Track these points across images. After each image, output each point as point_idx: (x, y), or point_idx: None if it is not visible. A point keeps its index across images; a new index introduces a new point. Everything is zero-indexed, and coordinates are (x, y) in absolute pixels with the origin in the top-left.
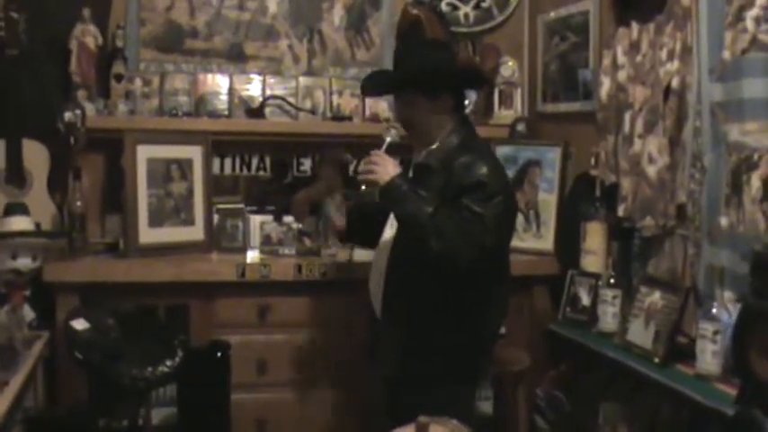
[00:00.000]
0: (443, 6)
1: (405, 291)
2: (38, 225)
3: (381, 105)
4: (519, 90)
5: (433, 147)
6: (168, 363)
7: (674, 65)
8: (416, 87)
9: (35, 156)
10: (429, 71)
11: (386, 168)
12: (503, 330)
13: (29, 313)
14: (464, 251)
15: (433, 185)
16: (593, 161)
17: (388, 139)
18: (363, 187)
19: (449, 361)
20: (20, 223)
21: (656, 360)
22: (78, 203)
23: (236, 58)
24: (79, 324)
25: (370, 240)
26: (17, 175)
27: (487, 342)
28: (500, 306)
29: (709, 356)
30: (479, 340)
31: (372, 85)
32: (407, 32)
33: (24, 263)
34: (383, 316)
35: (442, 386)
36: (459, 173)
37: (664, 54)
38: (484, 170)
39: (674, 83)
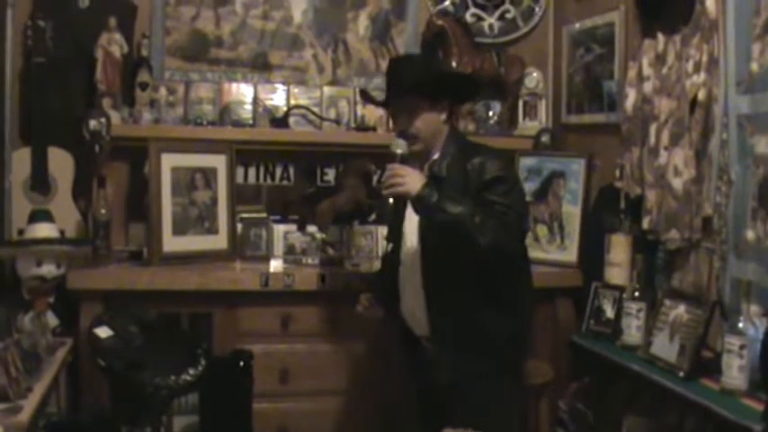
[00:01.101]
0: (468, 17)
1: (449, 297)
2: (62, 232)
3: None
4: (543, 101)
5: (435, 157)
6: (191, 371)
7: (701, 77)
8: (418, 93)
9: (60, 163)
10: (432, 74)
11: (412, 179)
12: None
13: (53, 320)
14: (508, 240)
15: (449, 190)
16: (617, 173)
17: (399, 151)
18: (391, 200)
19: (502, 357)
20: (44, 230)
21: (681, 374)
22: (103, 211)
23: (260, 67)
24: (102, 331)
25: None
26: (42, 182)
27: (528, 332)
28: (532, 296)
29: (736, 371)
30: (523, 332)
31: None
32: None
33: (49, 270)
34: (433, 324)
35: (496, 385)
36: (476, 173)
37: (690, 66)
38: (497, 165)
39: (701, 95)
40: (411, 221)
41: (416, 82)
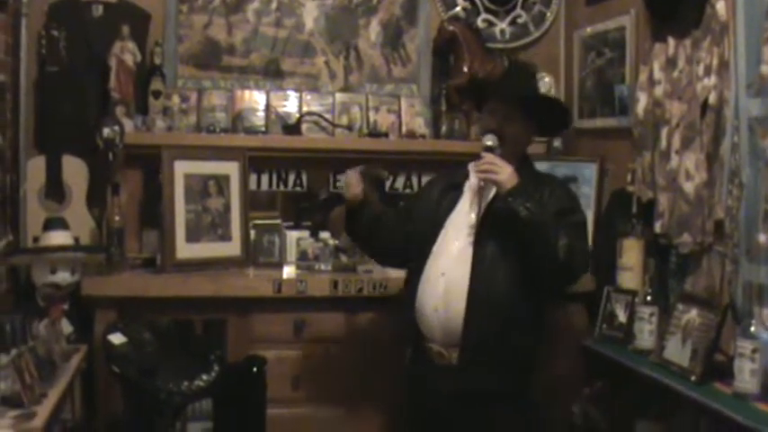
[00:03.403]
0: (479, 23)
1: (494, 305)
2: (77, 240)
3: (418, 122)
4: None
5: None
6: (204, 377)
7: (712, 80)
8: (524, 107)
9: (74, 171)
10: (548, 99)
11: (507, 172)
12: None
13: (67, 327)
14: (581, 267)
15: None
16: (629, 177)
17: (490, 143)
18: (482, 184)
19: (523, 375)
20: (59, 238)
21: (694, 378)
22: (116, 218)
23: (272, 74)
24: (116, 338)
25: (367, 238)
26: (57, 190)
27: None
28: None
29: (748, 375)
30: (541, 352)
31: (494, 92)
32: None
33: (63, 277)
34: (467, 328)
35: (527, 399)
36: (554, 198)
37: (701, 69)
38: (571, 196)
39: (712, 98)
40: (463, 214)
41: (529, 96)
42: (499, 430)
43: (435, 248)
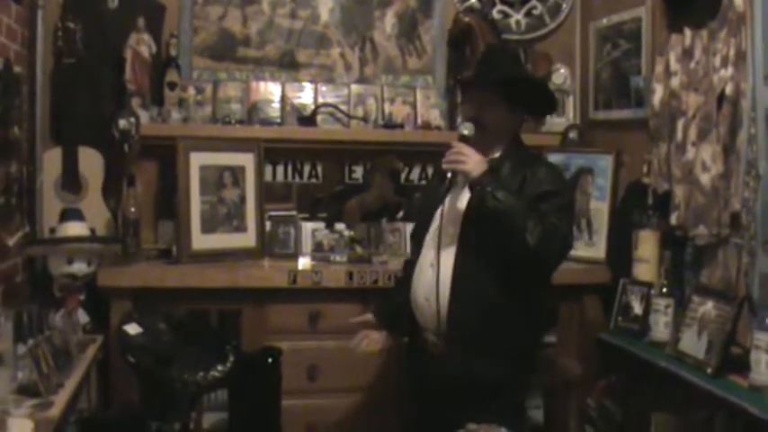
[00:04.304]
0: (495, 14)
1: (476, 286)
2: (93, 231)
3: (433, 113)
4: (571, 97)
5: (496, 155)
6: (220, 368)
7: (728, 71)
8: (505, 91)
9: (90, 163)
10: (529, 81)
11: (475, 160)
12: (554, 339)
13: (83, 317)
14: (555, 251)
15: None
16: (645, 169)
17: (466, 132)
18: (449, 175)
19: (517, 364)
20: (75, 229)
21: (709, 371)
22: (132, 209)
23: (288, 65)
24: (132, 328)
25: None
26: (73, 181)
27: (540, 345)
28: (546, 309)
29: (764, 367)
30: (537, 343)
31: (469, 78)
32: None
33: (79, 268)
34: (451, 311)
35: (508, 390)
36: (534, 182)
37: (717, 60)
38: (556, 178)
39: (728, 89)
40: (452, 204)
41: (507, 79)
42: (497, 418)
43: (427, 238)
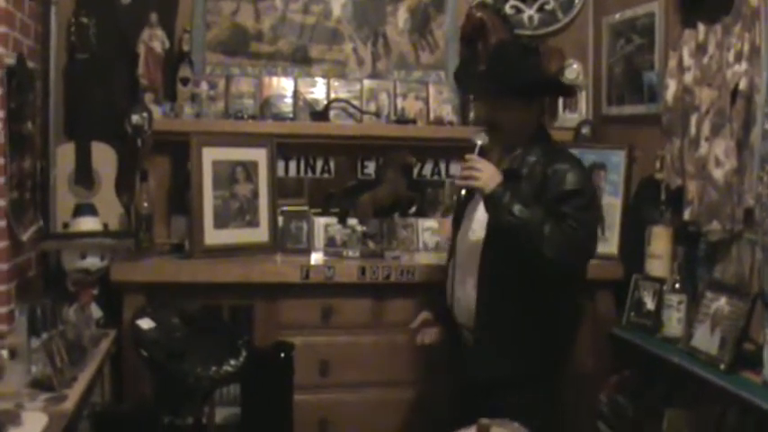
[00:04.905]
0: (507, 9)
1: (502, 292)
2: (106, 225)
3: (446, 109)
4: (584, 93)
5: (517, 152)
6: (232, 362)
7: (742, 66)
8: (515, 93)
9: (103, 158)
10: (532, 80)
11: (488, 174)
12: None
13: (96, 312)
14: (576, 258)
15: (524, 191)
16: (658, 164)
17: (479, 142)
18: (463, 192)
19: (541, 362)
20: (88, 224)
21: (722, 367)
22: (145, 204)
23: (300, 61)
24: (145, 323)
25: None
26: (86, 176)
27: (571, 343)
28: (578, 308)
29: None
30: (566, 341)
31: (474, 87)
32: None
33: (93, 262)
34: (477, 318)
35: (532, 388)
36: (556, 181)
37: (731, 55)
38: (579, 177)
39: (742, 85)
40: (480, 210)
41: (516, 85)
42: (519, 416)
43: (459, 237)
